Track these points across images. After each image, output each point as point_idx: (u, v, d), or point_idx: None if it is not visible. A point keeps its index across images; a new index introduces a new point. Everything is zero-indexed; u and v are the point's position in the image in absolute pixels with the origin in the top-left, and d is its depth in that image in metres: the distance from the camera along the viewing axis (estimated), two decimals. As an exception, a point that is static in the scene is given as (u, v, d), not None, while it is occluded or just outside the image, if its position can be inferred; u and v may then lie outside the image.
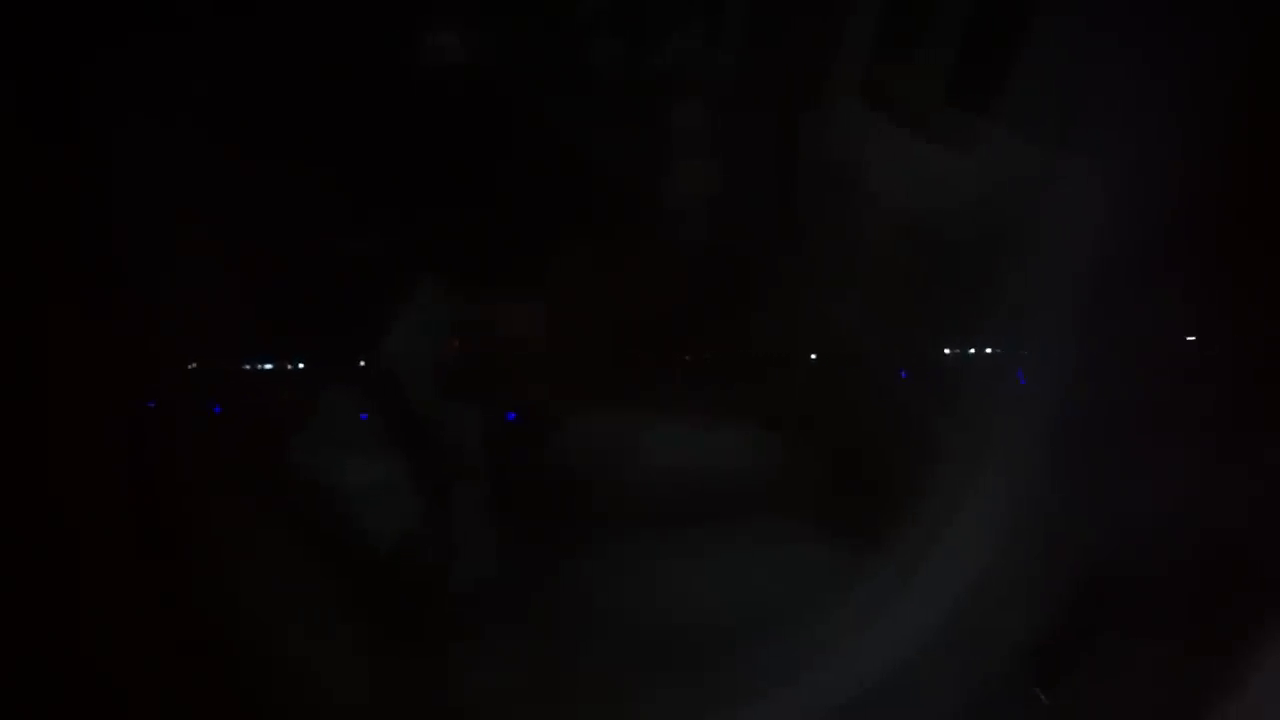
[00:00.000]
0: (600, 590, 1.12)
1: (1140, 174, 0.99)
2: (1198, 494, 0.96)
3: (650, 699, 1.07)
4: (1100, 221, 1.02)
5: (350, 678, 1.06)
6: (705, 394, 1.20)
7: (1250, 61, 0.94)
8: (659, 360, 1.20)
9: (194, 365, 1.08)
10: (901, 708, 1.00)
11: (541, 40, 1.15)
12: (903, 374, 1.21)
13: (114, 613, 0.93)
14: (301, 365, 1.15)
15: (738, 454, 1.19)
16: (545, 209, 1.16)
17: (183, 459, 1.02)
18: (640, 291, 1.21)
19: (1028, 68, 1.06)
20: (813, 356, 1.24)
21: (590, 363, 1.20)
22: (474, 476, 1.19)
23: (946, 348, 1.19)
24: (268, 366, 1.14)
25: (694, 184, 1.21)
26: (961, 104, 1.13)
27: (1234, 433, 0.98)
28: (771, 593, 1.11)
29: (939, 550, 1.06)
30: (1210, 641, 0.92)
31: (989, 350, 1.15)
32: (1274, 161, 0.94)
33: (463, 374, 1.19)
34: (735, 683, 1.07)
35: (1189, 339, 1.03)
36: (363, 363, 1.18)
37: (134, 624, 0.94)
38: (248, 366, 1.13)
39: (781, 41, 1.19)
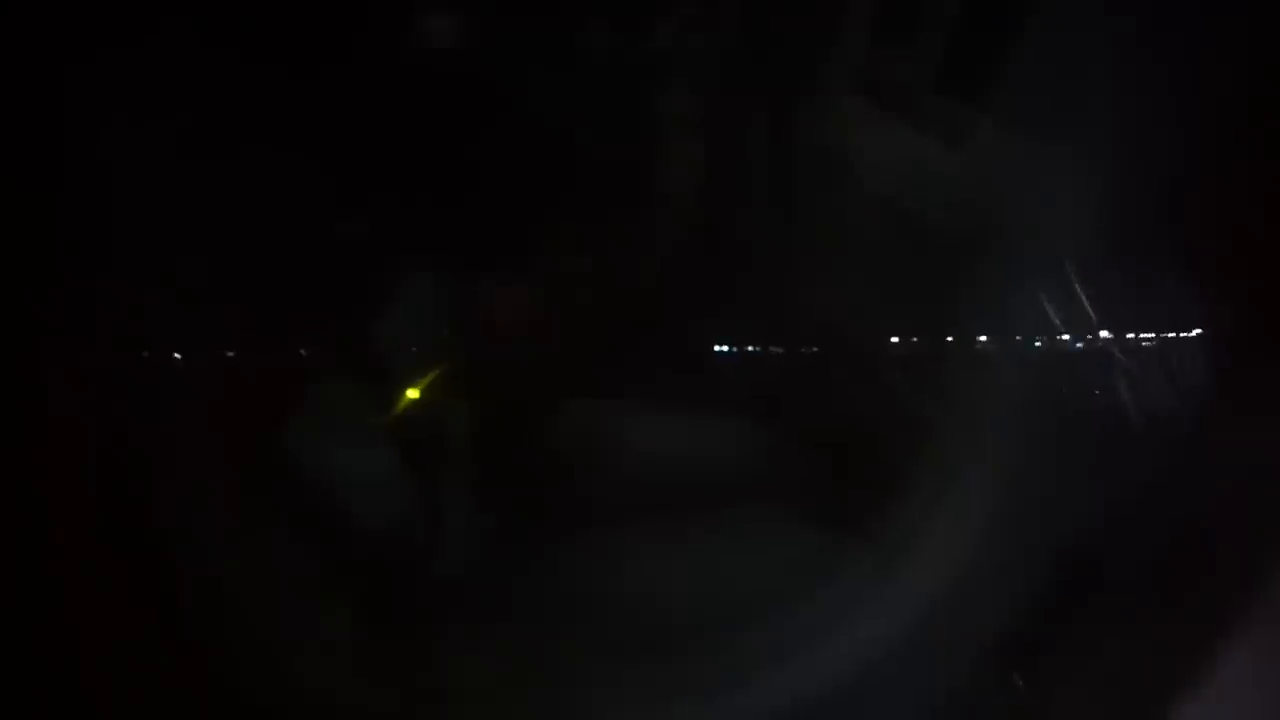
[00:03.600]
0: (588, 581, 1.13)
1: (1133, 166, 1.00)
2: (1173, 482, 0.98)
3: (632, 685, 1.08)
4: (1093, 214, 1.03)
5: (337, 666, 1.07)
6: (695, 385, 1.21)
7: (1247, 53, 0.94)
8: (649, 351, 1.20)
9: (182, 357, 1.07)
10: (880, 694, 1.01)
11: (533, 28, 1.13)
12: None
13: (100, 604, 0.93)
14: (290, 356, 1.14)
15: (727, 445, 1.20)
16: (537, 199, 1.15)
17: (172, 451, 1.01)
18: (632, 282, 1.20)
19: (1022, 59, 1.06)
20: (803, 348, 1.24)
21: (581, 353, 1.20)
22: (463, 468, 1.19)
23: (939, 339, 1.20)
24: (257, 357, 1.13)
25: (686, 174, 1.20)
26: (956, 95, 1.13)
27: (1211, 423, 0.99)
28: (755, 582, 1.12)
29: (918, 539, 1.07)
30: (1187, 628, 0.94)
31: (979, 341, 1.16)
32: (1271, 155, 0.95)
33: (454, 365, 1.19)
34: (716, 670, 1.09)
35: (1177, 329, 1.05)
36: (353, 353, 1.17)
37: (124, 616, 0.94)
38: (236, 358, 1.12)
39: (776, 31, 1.18)
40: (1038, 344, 1.08)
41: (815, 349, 1.22)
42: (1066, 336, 1.06)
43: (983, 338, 1.14)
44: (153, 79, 0.97)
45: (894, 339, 1.20)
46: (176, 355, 1.04)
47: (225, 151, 1.02)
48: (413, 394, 1.16)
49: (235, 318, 1.07)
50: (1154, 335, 1.05)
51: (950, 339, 1.16)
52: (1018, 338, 1.11)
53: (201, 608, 0.98)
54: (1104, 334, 1.05)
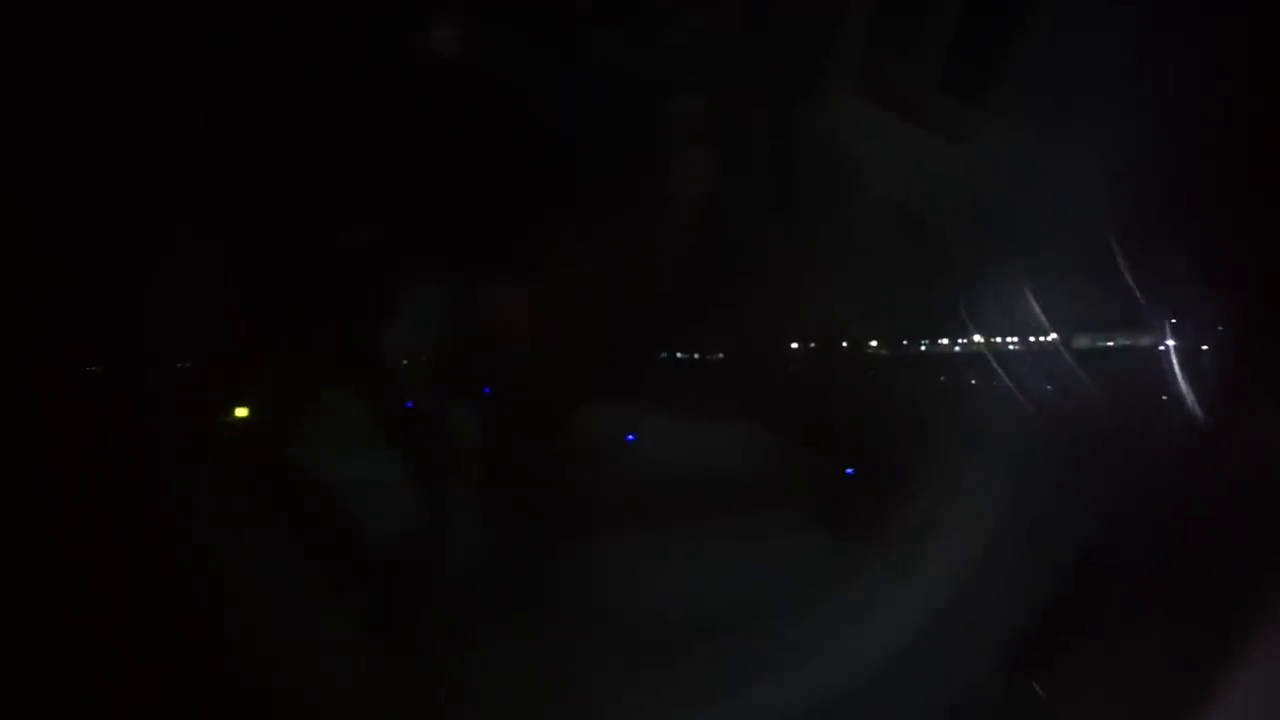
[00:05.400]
0: (593, 583, 1.13)
1: (1136, 164, 0.99)
2: (1186, 482, 0.97)
3: (641, 688, 1.07)
4: (1095, 212, 1.03)
5: (346, 669, 1.07)
6: (698, 388, 1.20)
7: (1249, 50, 0.94)
8: (650, 354, 1.20)
9: (184, 359, 1.07)
10: (897, 700, 1.01)
11: (537, 33, 1.14)
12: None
13: (102, 607, 0.93)
14: (292, 359, 1.14)
15: (730, 448, 1.19)
16: (539, 201, 1.15)
17: (175, 456, 1.01)
18: (634, 286, 1.20)
19: (1023, 57, 1.06)
20: (804, 349, 1.24)
21: (583, 356, 1.19)
22: (467, 470, 1.19)
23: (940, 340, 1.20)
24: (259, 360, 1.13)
25: (688, 176, 1.20)
26: (957, 94, 1.12)
27: (1221, 420, 0.98)
28: (766, 585, 1.12)
29: (929, 542, 1.07)
30: (1202, 630, 0.93)
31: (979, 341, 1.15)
32: (1272, 151, 0.94)
33: (456, 367, 1.19)
34: (727, 672, 1.08)
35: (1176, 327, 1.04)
36: (357, 355, 1.17)
37: (126, 620, 0.94)
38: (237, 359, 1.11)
39: (777, 31, 1.18)
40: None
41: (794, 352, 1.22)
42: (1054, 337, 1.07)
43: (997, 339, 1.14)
44: (155, 82, 0.97)
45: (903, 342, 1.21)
46: (179, 357, 1.04)
47: (228, 155, 1.02)
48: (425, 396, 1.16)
49: (237, 320, 1.07)
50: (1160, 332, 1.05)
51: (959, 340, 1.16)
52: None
53: (204, 611, 0.98)
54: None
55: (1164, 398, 1.02)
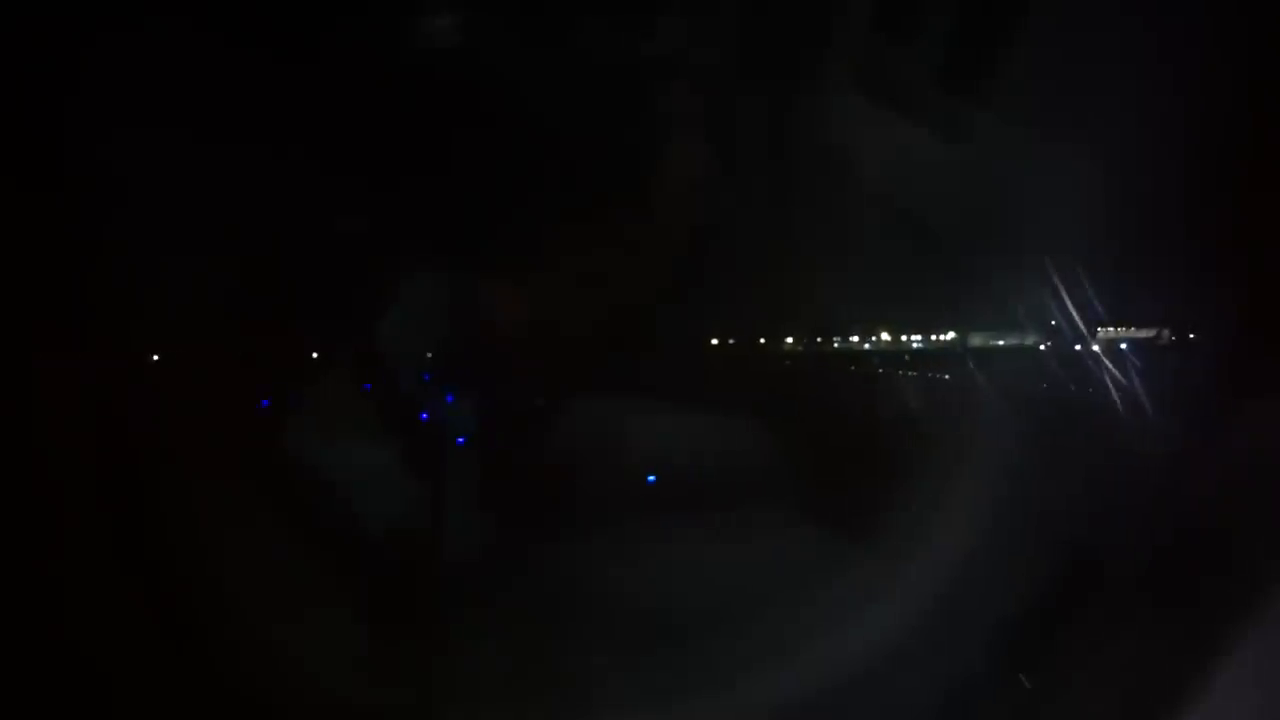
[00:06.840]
0: (587, 573, 1.13)
1: (1131, 161, 0.99)
2: (1169, 479, 0.97)
3: (633, 682, 1.08)
4: (1090, 209, 1.03)
5: (346, 657, 1.08)
6: (691, 381, 1.20)
7: (1246, 49, 0.94)
8: (646, 346, 1.20)
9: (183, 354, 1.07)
10: (888, 693, 1.01)
11: (534, 27, 1.13)
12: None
13: (103, 602, 0.94)
14: (290, 354, 1.15)
15: (722, 440, 1.20)
16: (534, 195, 1.15)
17: (173, 448, 1.02)
18: (628, 277, 1.20)
19: (1019, 53, 1.06)
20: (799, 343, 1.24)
21: (578, 349, 1.20)
22: (464, 463, 1.20)
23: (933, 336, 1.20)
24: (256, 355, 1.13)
25: (683, 169, 1.20)
26: (953, 89, 1.12)
27: (1205, 417, 0.99)
28: (757, 577, 1.12)
29: (919, 537, 1.07)
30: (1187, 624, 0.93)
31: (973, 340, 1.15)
32: (1269, 149, 0.94)
33: (453, 360, 1.20)
34: (720, 667, 1.09)
35: (1170, 326, 1.04)
36: (354, 350, 1.18)
37: (128, 614, 0.95)
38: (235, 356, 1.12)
39: (774, 25, 1.18)
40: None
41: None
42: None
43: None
44: (152, 78, 0.97)
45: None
46: (177, 353, 1.04)
47: (226, 151, 1.02)
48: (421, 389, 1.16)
49: (236, 316, 1.07)
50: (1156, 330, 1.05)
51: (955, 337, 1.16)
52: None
53: (205, 606, 0.99)
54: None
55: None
